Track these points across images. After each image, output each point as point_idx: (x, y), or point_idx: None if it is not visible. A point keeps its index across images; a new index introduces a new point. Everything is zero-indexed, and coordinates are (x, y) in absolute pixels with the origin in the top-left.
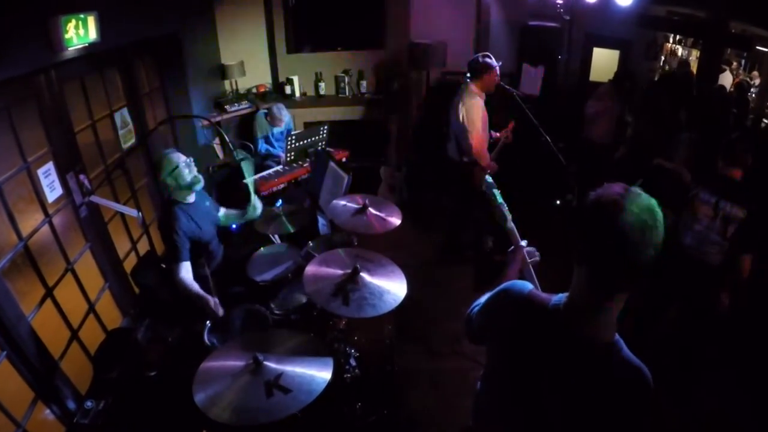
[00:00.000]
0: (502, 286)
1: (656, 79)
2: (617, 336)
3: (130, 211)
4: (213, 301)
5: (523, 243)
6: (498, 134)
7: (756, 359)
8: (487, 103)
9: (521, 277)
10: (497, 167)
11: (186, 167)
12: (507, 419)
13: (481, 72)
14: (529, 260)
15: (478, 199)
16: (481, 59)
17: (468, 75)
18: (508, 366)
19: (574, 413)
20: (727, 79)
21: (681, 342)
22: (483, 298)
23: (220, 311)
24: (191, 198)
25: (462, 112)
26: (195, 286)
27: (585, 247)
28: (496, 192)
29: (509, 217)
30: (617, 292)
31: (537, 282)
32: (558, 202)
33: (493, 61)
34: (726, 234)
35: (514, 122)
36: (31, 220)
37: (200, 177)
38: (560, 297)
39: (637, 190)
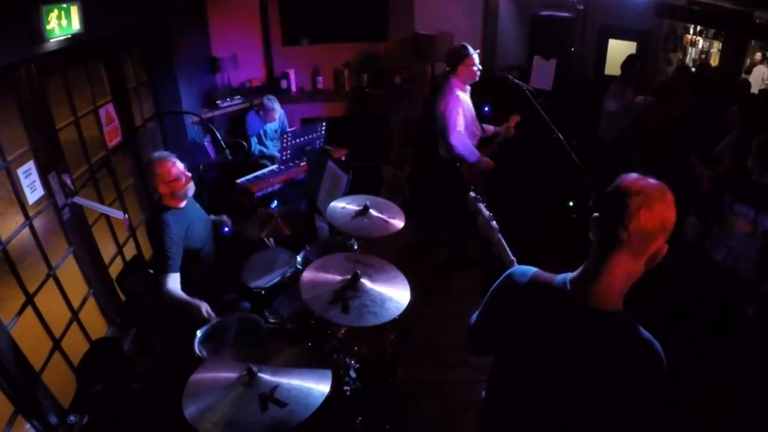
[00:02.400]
0: (505, 273)
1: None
2: (631, 316)
3: (116, 213)
4: (204, 306)
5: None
6: (495, 129)
7: None
8: (493, 98)
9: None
10: (492, 164)
11: (183, 177)
12: (516, 416)
13: (456, 62)
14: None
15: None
16: (454, 48)
17: (447, 68)
18: (517, 352)
19: (586, 393)
20: (760, 73)
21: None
22: (482, 304)
23: (213, 317)
24: (183, 203)
25: (441, 107)
26: (182, 295)
27: (600, 219)
28: (482, 206)
29: (497, 228)
30: (620, 254)
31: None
32: (571, 203)
33: (468, 50)
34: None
35: (518, 117)
36: (10, 223)
37: (192, 184)
38: (564, 275)
39: (650, 178)
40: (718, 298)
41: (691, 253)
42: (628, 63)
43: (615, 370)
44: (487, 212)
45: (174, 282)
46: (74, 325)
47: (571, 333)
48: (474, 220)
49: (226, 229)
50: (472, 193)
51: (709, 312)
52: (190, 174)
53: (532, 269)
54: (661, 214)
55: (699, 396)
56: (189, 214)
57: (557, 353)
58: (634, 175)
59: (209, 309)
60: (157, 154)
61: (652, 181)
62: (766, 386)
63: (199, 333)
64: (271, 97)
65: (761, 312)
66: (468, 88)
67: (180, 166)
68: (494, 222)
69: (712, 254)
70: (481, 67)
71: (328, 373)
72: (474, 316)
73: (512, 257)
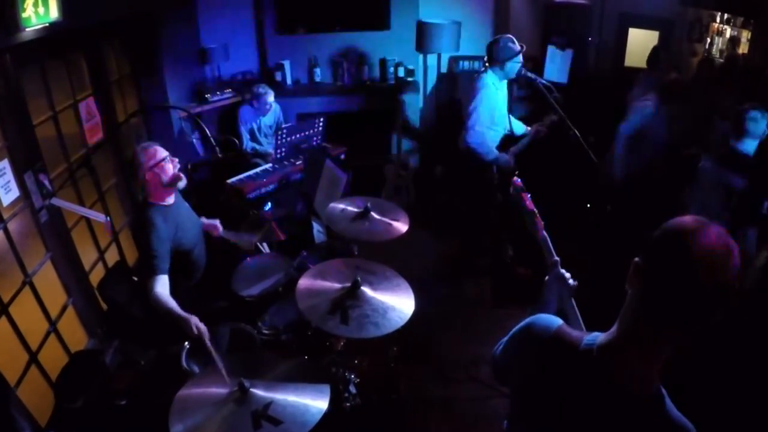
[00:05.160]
0: (527, 320)
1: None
2: (660, 387)
3: (97, 216)
4: (194, 320)
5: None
6: (530, 129)
7: None
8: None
9: (559, 305)
10: (513, 165)
11: (169, 162)
12: None
13: (502, 57)
14: (570, 284)
15: (495, 200)
16: (502, 43)
17: (486, 60)
18: (533, 415)
19: None
20: None
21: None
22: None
23: (206, 335)
24: (171, 199)
25: (473, 105)
26: (172, 304)
27: (646, 272)
28: (527, 196)
29: (542, 225)
30: (672, 330)
31: (578, 313)
32: (588, 205)
33: (516, 46)
34: None
35: (555, 118)
36: None
37: (183, 176)
38: (594, 336)
39: (709, 222)
40: None
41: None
42: (654, 60)
43: None
44: (531, 205)
45: (163, 286)
46: (52, 336)
47: (593, 415)
48: (517, 208)
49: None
50: (517, 179)
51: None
52: (179, 165)
53: (557, 321)
54: (727, 283)
55: None
56: (178, 213)
57: (574, 427)
58: (693, 223)
59: (199, 323)
60: (140, 145)
61: (717, 233)
62: None
63: (186, 345)
64: (262, 84)
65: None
66: (505, 81)
67: (163, 149)
68: (538, 217)
69: None
70: (522, 61)
71: (327, 389)
72: (497, 346)
73: (555, 257)
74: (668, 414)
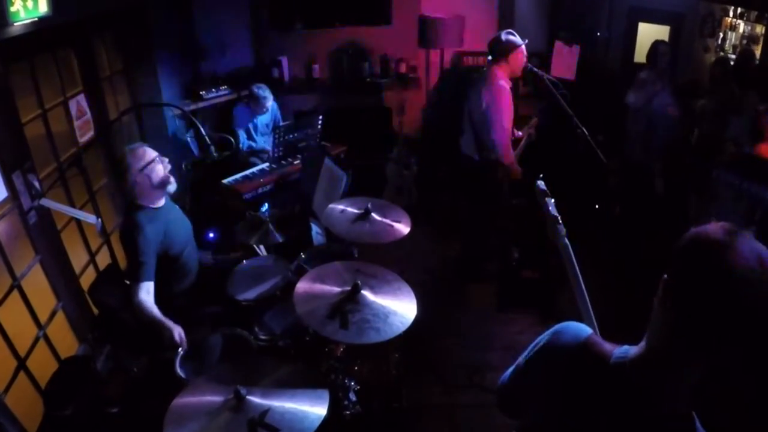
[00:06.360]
0: (554, 328)
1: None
2: (691, 409)
3: (88, 217)
4: (177, 330)
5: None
6: (521, 132)
7: None
8: (512, 90)
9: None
10: (520, 171)
11: (160, 163)
12: None
13: (505, 52)
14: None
15: (500, 203)
16: (503, 37)
17: (489, 57)
18: (555, 428)
19: None
20: None
21: None
22: (521, 357)
23: (184, 344)
24: (160, 202)
25: (486, 100)
26: (156, 311)
27: (677, 287)
28: (550, 201)
29: (564, 232)
30: (707, 350)
31: (594, 320)
32: (597, 206)
33: (517, 39)
34: None
35: (537, 118)
36: None
37: (172, 179)
38: (626, 349)
39: (745, 231)
40: None
41: None
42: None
43: None
44: (554, 210)
45: (147, 293)
46: (41, 342)
47: (620, 429)
48: (540, 212)
49: (211, 234)
50: (540, 183)
51: None
52: (169, 166)
53: (586, 330)
54: (765, 298)
55: None
56: (167, 216)
57: None
58: (722, 234)
59: (183, 334)
60: (128, 147)
61: (749, 244)
62: None
63: (180, 351)
64: (260, 84)
65: None
66: (510, 82)
67: (154, 151)
68: (561, 225)
69: None
70: (527, 57)
71: (325, 396)
72: (507, 374)
73: (577, 268)
74: None
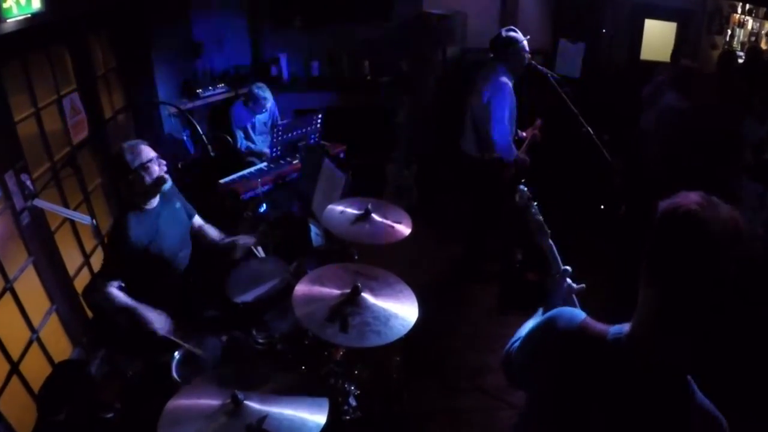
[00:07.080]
0: (549, 314)
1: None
2: (689, 377)
3: (82, 218)
4: (159, 316)
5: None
6: (525, 134)
7: None
8: (515, 89)
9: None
10: (528, 161)
11: (156, 163)
12: None
13: (506, 49)
14: (575, 288)
15: (503, 203)
16: (504, 33)
17: (491, 54)
18: (557, 415)
19: None
20: None
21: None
22: (524, 329)
23: (170, 330)
24: (153, 202)
25: (487, 95)
26: (126, 299)
27: (657, 262)
28: (534, 205)
29: (548, 233)
30: (693, 317)
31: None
32: (602, 207)
33: (519, 35)
34: None
35: (541, 120)
36: None
37: (168, 177)
38: (620, 327)
39: (716, 199)
40: None
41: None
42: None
43: None
44: (538, 214)
45: (114, 287)
46: (34, 345)
47: (626, 407)
48: (524, 218)
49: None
50: (523, 187)
51: None
52: (165, 167)
53: (581, 315)
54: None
55: None
56: (159, 217)
57: (603, 418)
58: (695, 200)
59: (167, 322)
60: (125, 143)
61: (728, 211)
62: None
63: (176, 355)
64: (261, 84)
65: None
66: (513, 79)
67: (154, 153)
68: (545, 227)
69: None
70: (530, 55)
71: (325, 401)
72: (511, 343)
73: (562, 267)
74: (700, 404)
